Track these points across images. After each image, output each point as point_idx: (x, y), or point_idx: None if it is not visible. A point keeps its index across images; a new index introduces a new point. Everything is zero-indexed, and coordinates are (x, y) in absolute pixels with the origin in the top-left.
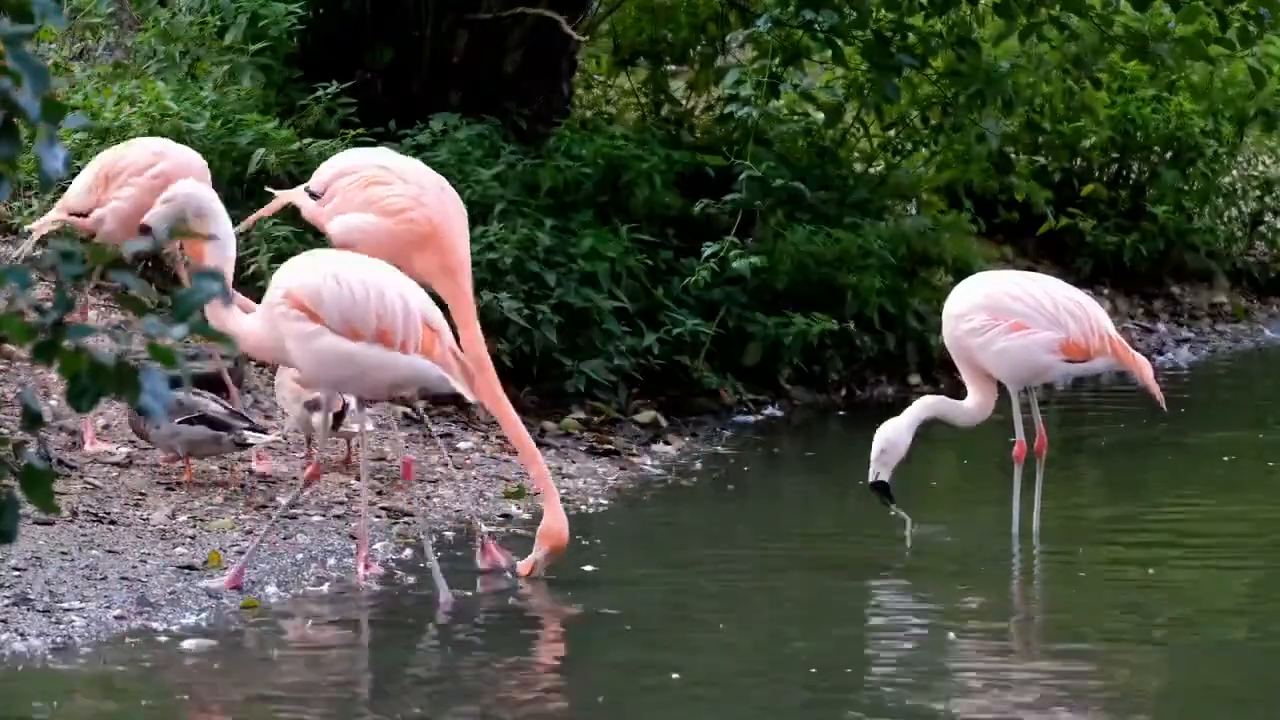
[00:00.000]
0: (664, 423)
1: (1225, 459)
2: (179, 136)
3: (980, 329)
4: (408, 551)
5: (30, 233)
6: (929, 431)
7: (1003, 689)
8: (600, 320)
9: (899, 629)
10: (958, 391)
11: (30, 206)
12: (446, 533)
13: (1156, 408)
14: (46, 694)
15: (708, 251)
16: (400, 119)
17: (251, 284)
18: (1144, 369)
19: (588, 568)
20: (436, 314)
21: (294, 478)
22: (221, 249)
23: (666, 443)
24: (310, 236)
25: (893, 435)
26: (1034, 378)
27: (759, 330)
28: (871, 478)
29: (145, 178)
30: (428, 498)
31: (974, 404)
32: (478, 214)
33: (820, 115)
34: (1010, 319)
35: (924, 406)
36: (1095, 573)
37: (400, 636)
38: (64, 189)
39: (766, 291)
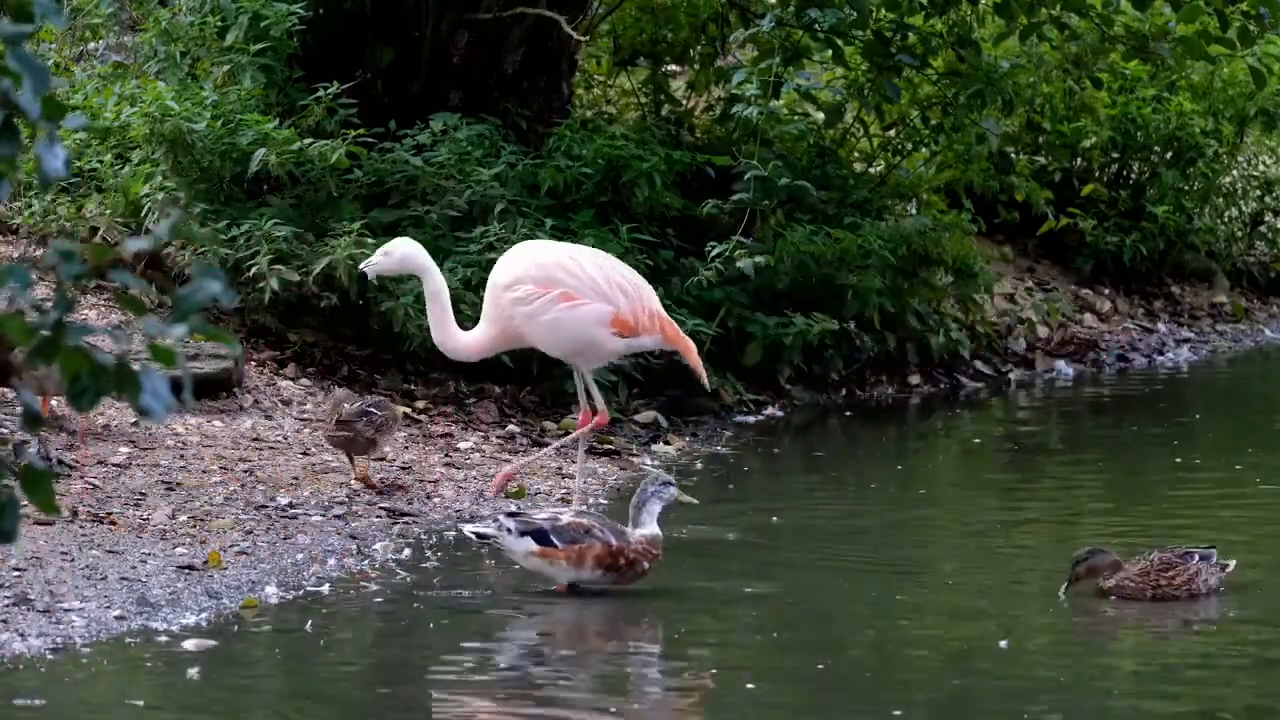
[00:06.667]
0: (664, 423)
1: (1223, 460)
2: (180, 136)
3: (527, 298)
4: (408, 551)
5: None
6: (927, 428)
7: (1003, 690)
8: None
9: (900, 628)
10: (956, 393)
11: (30, 206)
12: (447, 533)
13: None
14: (47, 694)
15: (714, 251)
16: (400, 119)
17: (254, 284)
18: (691, 351)
19: None
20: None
21: (294, 478)
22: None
23: (666, 443)
24: (311, 238)
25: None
26: (585, 350)
27: (759, 330)
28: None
29: None
30: (428, 497)
31: (476, 337)
32: (478, 214)
33: (820, 115)
34: (559, 289)
35: None
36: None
37: (400, 636)
38: (63, 188)
39: (767, 291)
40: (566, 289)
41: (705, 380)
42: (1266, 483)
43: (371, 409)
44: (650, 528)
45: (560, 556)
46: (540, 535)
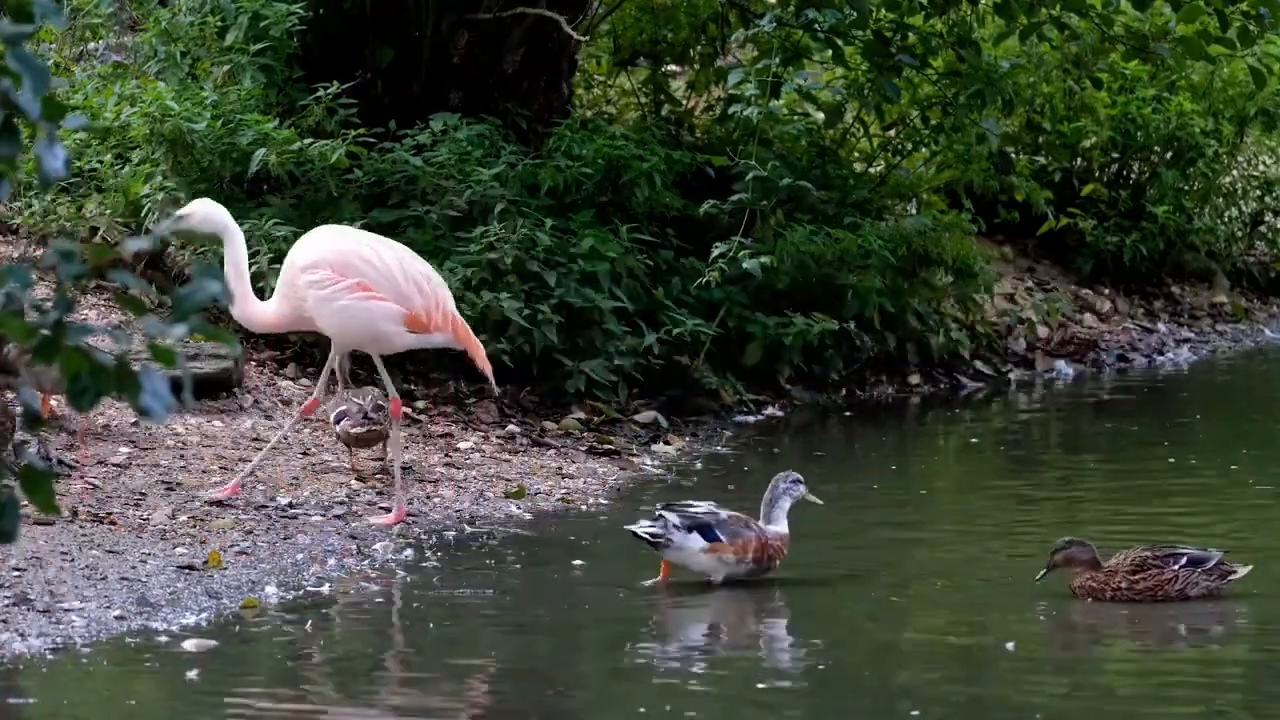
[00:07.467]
0: (664, 423)
1: (1222, 461)
2: (180, 136)
3: (323, 282)
4: (408, 552)
5: None
6: (927, 428)
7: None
8: (600, 320)
9: (901, 629)
10: (956, 393)
11: (30, 206)
12: (447, 533)
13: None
14: (47, 694)
15: (716, 252)
16: (400, 119)
17: (253, 284)
18: (480, 353)
19: (579, 564)
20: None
21: (294, 478)
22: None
23: (666, 443)
24: None
25: None
26: (372, 343)
27: (759, 330)
28: None
29: None
30: (428, 498)
31: (270, 310)
32: (478, 214)
33: (821, 115)
34: (356, 279)
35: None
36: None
37: (400, 636)
38: (63, 188)
39: (767, 291)
40: (363, 279)
41: (491, 380)
42: (1263, 484)
43: (381, 402)
44: (781, 525)
45: (729, 551)
46: (705, 530)
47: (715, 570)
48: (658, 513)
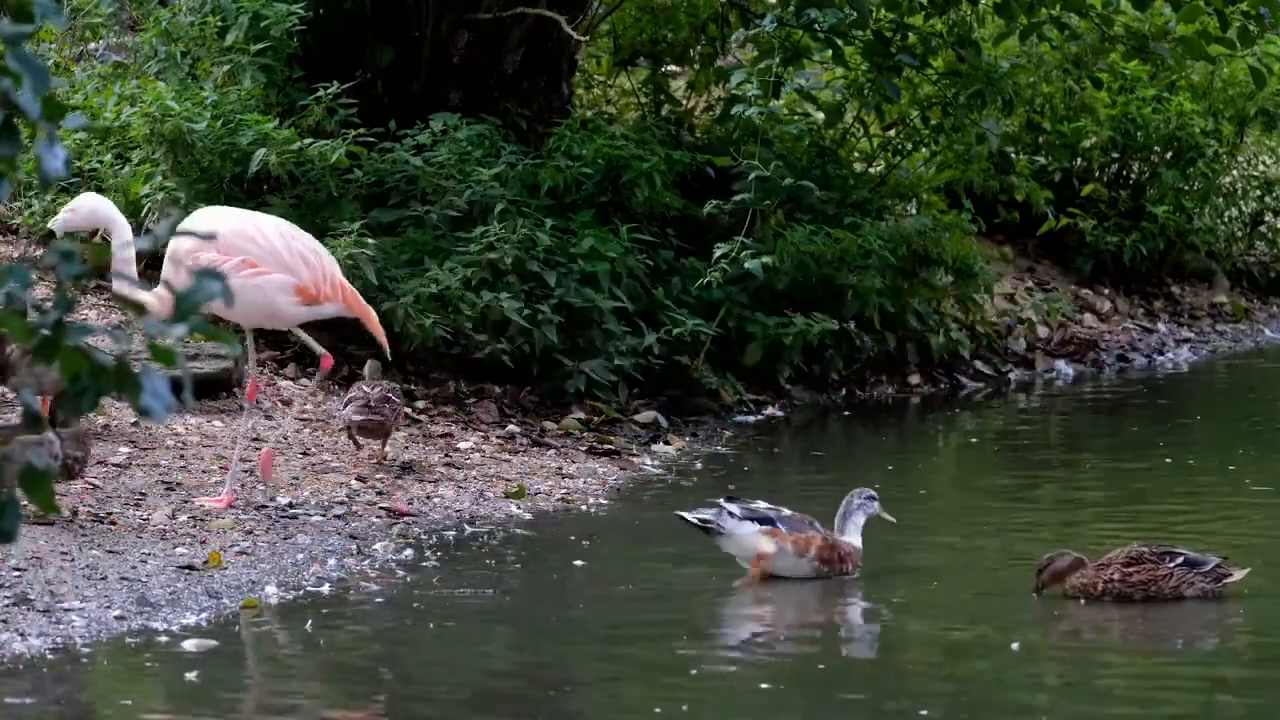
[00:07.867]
0: (664, 423)
1: (1222, 461)
2: (180, 136)
3: (210, 264)
4: (408, 551)
5: None
6: (927, 428)
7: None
8: (600, 320)
9: (903, 630)
10: (956, 393)
11: (30, 206)
12: (447, 533)
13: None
14: (47, 694)
15: (719, 252)
16: (400, 119)
17: None
18: (372, 319)
19: (579, 564)
20: None
21: (294, 478)
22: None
23: (666, 443)
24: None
25: None
26: (270, 318)
27: (759, 330)
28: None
29: None
30: (428, 498)
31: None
32: (478, 214)
33: (821, 115)
34: (240, 256)
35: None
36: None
37: (398, 636)
38: (63, 188)
39: (767, 291)
40: (248, 256)
41: (386, 347)
42: (1262, 484)
43: (391, 395)
44: (855, 539)
45: (787, 540)
46: (765, 521)
47: (768, 548)
48: (718, 503)
